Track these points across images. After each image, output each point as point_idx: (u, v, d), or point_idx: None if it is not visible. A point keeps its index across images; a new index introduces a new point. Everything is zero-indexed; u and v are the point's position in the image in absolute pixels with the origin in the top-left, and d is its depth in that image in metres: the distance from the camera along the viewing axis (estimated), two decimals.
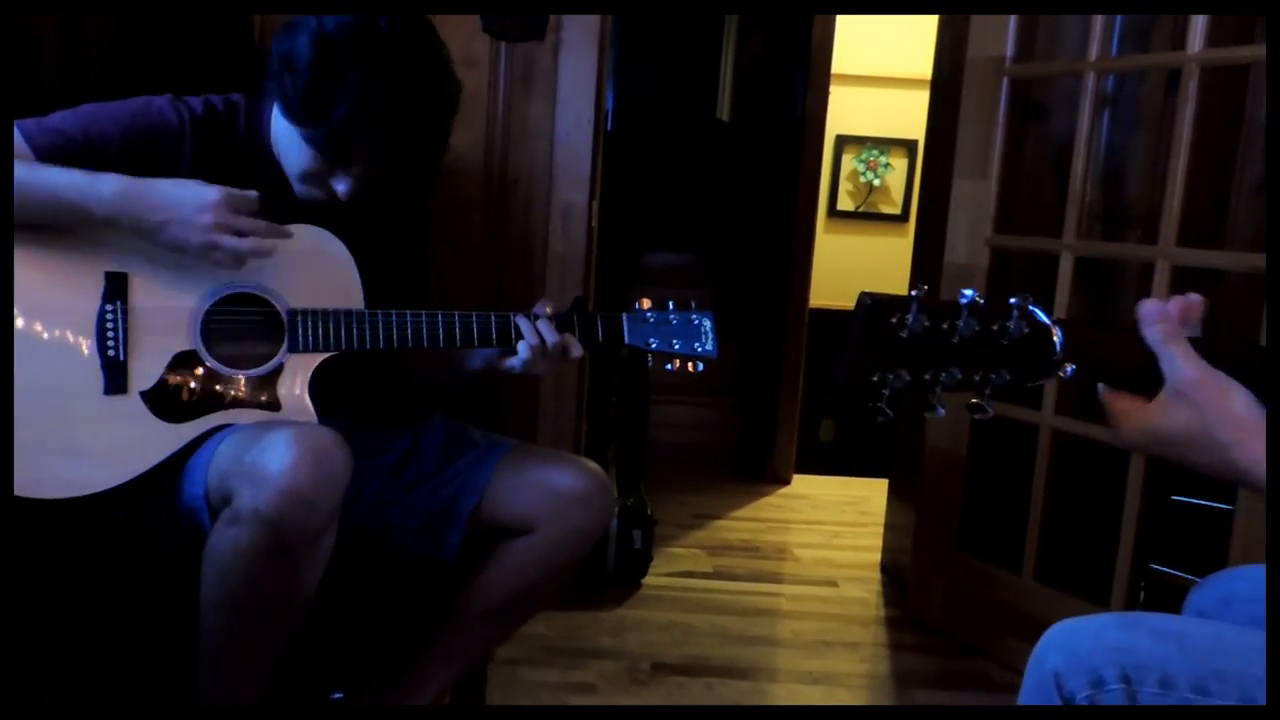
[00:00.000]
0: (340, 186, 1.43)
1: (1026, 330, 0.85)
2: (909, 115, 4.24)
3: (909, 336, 0.83)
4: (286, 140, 1.44)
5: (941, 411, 0.86)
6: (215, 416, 1.42)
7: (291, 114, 1.39)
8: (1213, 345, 0.86)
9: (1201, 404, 0.83)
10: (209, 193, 1.34)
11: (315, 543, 1.30)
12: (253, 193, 1.38)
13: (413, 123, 1.39)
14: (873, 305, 0.83)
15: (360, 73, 1.34)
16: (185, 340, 1.42)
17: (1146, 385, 0.86)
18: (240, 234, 1.35)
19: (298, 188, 1.48)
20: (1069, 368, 0.86)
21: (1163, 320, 0.85)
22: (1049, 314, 0.86)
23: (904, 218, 4.71)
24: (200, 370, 1.42)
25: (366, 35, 1.36)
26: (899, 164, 4.76)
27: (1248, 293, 1.98)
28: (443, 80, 1.43)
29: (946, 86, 2.58)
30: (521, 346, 1.48)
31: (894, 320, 0.83)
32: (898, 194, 4.80)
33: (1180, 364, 0.84)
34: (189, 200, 1.34)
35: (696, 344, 1.53)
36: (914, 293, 0.83)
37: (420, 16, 1.45)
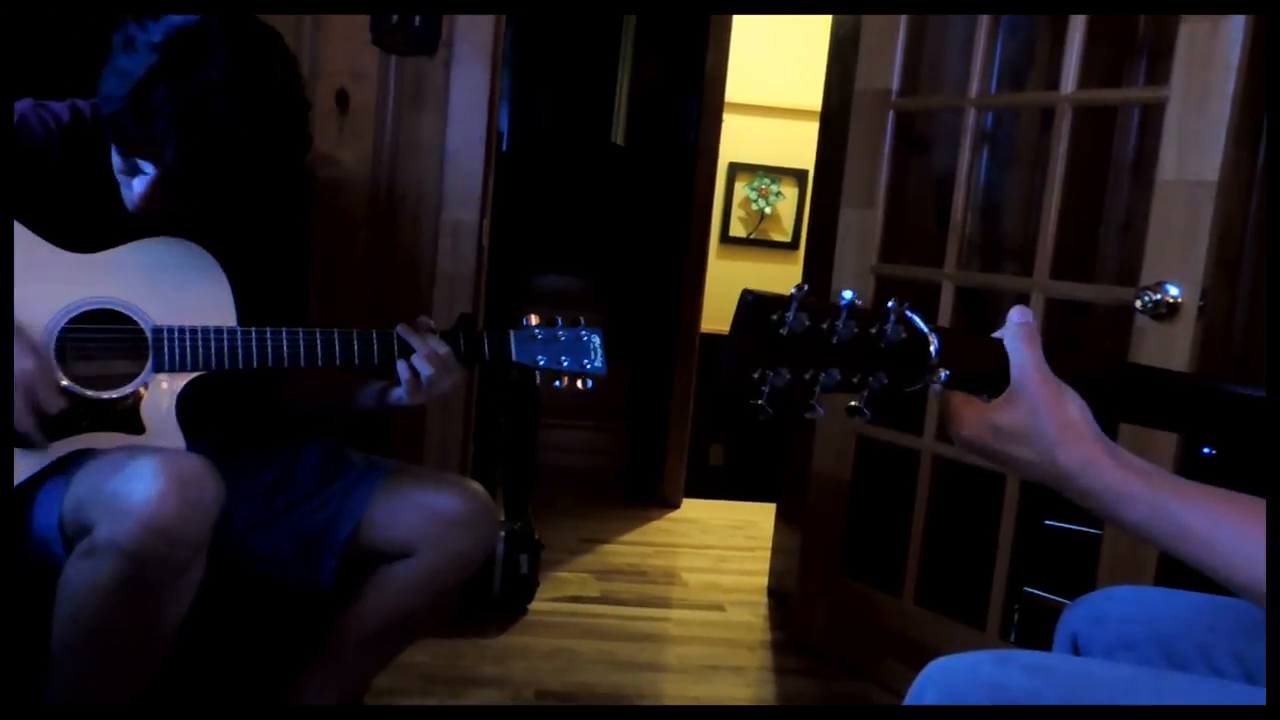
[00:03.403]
0: (137, 185, 1.32)
1: (904, 335, 0.86)
2: (800, 145, 4.33)
3: (789, 335, 0.83)
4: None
5: (820, 411, 0.87)
6: (72, 441, 1.33)
7: (99, 101, 1.31)
8: (1066, 360, 0.89)
9: (1037, 401, 0.86)
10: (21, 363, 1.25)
11: (179, 578, 1.23)
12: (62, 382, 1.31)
13: (201, 120, 1.25)
14: (754, 301, 0.83)
15: (151, 61, 1.24)
16: None
17: (997, 390, 0.89)
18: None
19: (124, 191, 1.38)
20: (943, 374, 0.88)
21: (1025, 325, 0.89)
22: (925, 321, 0.87)
23: (794, 245, 4.80)
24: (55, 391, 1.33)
25: (175, 31, 1.26)
26: (790, 192, 4.85)
27: (1113, 325, 2.07)
28: (249, 80, 1.29)
29: (835, 118, 2.63)
30: (402, 367, 1.44)
31: (775, 317, 0.83)
32: (788, 222, 4.88)
33: (1026, 362, 0.87)
34: None
35: (585, 361, 1.51)
36: (795, 291, 0.84)
37: (262, 28, 1.35)
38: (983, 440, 0.89)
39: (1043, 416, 0.85)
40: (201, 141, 1.26)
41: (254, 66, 1.30)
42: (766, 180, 4.83)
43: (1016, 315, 0.90)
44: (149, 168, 1.31)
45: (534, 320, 1.51)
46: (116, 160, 1.35)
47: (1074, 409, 0.86)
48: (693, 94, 3.75)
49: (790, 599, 2.64)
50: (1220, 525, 0.81)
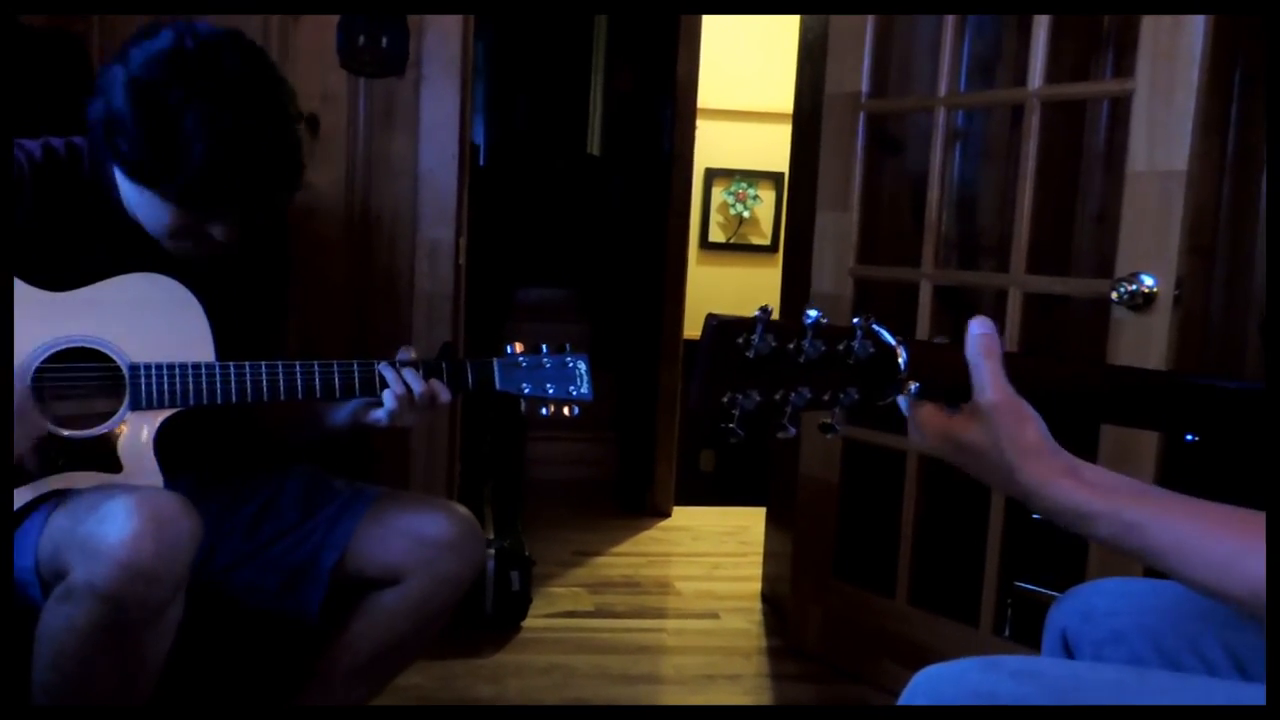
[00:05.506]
0: (217, 232, 1.37)
1: (872, 350, 0.86)
2: (775, 148, 4.33)
3: (756, 357, 0.83)
4: (140, 202, 1.36)
5: (793, 431, 0.87)
6: (48, 481, 1.32)
7: (139, 176, 1.31)
8: (1023, 363, 0.89)
9: (997, 425, 0.86)
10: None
11: (158, 618, 1.22)
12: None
13: (268, 146, 1.31)
14: (719, 326, 0.83)
15: (194, 112, 1.25)
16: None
17: (968, 397, 0.89)
18: None
19: (169, 245, 1.41)
20: (913, 386, 0.88)
21: (984, 336, 0.88)
22: (893, 334, 0.88)
23: (773, 248, 4.81)
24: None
25: (182, 66, 1.26)
26: (767, 196, 4.86)
27: (1091, 317, 2.08)
28: (278, 91, 1.35)
29: (807, 121, 2.63)
30: (387, 396, 1.43)
31: (741, 341, 0.83)
32: (767, 225, 4.89)
33: (987, 384, 0.87)
34: None
35: (571, 388, 1.50)
36: (759, 313, 0.84)
37: (229, 31, 1.35)
38: (944, 452, 0.90)
39: (1004, 445, 0.86)
40: (278, 180, 1.35)
41: (286, 94, 1.36)
42: (743, 185, 4.84)
43: (976, 326, 0.89)
44: (219, 225, 1.36)
45: (518, 348, 1.50)
46: (172, 222, 1.36)
47: (1033, 432, 0.86)
48: (666, 101, 3.75)
49: (784, 604, 2.63)
50: (1187, 540, 0.81)
